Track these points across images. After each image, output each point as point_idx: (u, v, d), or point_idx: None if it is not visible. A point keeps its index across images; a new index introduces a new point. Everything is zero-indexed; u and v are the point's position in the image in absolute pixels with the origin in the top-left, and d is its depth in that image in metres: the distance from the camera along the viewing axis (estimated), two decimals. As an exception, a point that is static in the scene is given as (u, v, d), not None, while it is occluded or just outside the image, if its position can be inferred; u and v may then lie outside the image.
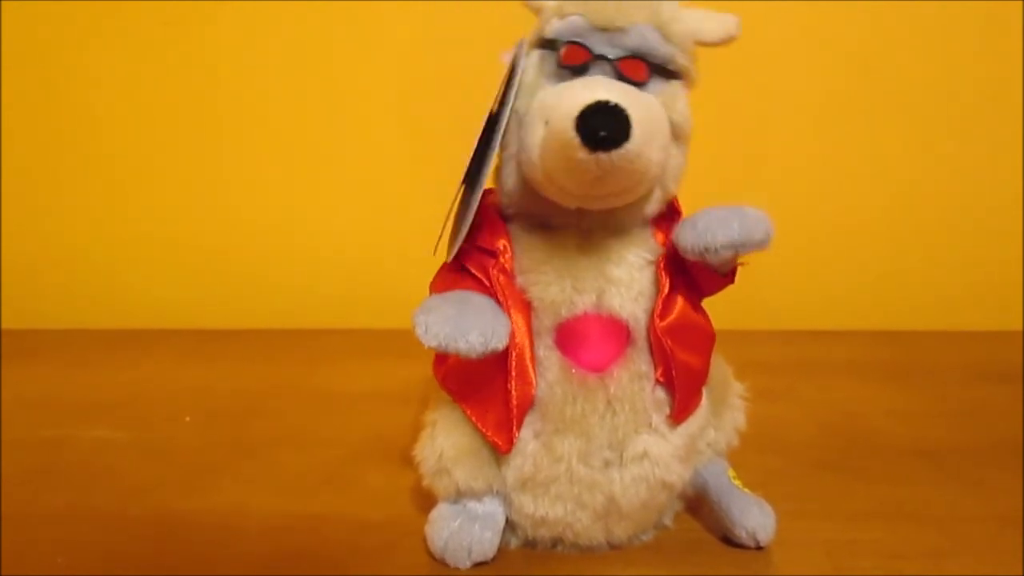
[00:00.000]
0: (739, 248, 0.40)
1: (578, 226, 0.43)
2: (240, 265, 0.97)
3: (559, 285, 0.42)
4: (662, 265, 0.43)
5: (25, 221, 0.98)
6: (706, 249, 0.40)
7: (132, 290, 0.99)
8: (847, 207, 0.93)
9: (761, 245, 0.40)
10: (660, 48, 0.41)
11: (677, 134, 0.42)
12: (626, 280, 0.43)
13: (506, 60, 0.43)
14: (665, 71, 0.42)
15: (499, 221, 0.44)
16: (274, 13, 0.91)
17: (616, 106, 0.37)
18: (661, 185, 0.43)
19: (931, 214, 0.92)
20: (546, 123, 0.39)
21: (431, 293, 0.44)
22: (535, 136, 0.40)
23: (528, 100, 0.42)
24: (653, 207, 0.43)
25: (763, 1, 0.84)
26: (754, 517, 0.46)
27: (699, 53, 0.44)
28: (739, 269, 0.44)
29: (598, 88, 0.38)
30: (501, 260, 0.43)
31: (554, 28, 0.42)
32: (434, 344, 0.39)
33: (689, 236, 0.41)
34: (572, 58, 0.41)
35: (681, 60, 0.42)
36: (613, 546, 0.46)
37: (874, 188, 0.92)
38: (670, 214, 0.45)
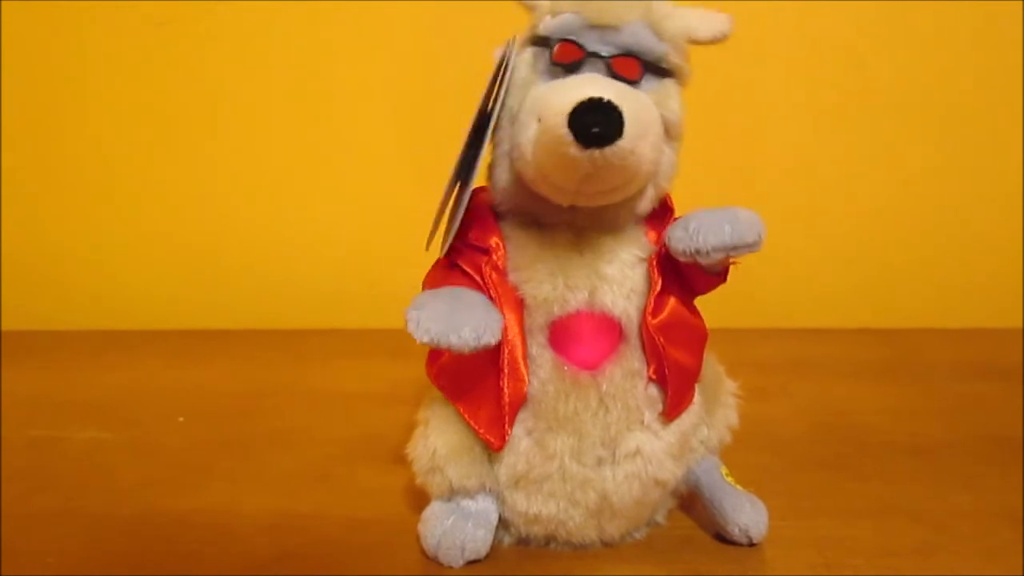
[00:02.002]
0: (730, 251, 0.40)
1: (570, 224, 0.43)
2: (232, 266, 0.97)
3: (551, 283, 0.42)
4: (654, 263, 0.43)
5: (19, 223, 0.98)
6: (697, 252, 0.40)
7: (123, 291, 0.98)
8: (841, 205, 0.93)
9: (753, 248, 0.40)
10: (653, 46, 0.41)
11: (670, 132, 0.42)
12: (618, 278, 0.43)
13: (497, 56, 0.43)
14: (658, 69, 0.42)
15: (491, 218, 0.44)
16: (270, 12, 0.91)
17: (609, 103, 0.36)
18: (654, 183, 0.43)
19: (926, 211, 0.93)
20: (539, 120, 0.39)
21: (423, 290, 0.44)
22: (528, 133, 0.40)
23: (521, 97, 0.42)
24: (646, 205, 0.43)
25: (765, 1, 0.85)
26: (747, 514, 0.46)
27: (695, 50, 0.44)
28: (731, 268, 0.44)
29: (591, 85, 0.38)
30: (493, 257, 0.43)
31: (547, 26, 0.42)
32: (426, 340, 0.39)
33: (680, 238, 0.41)
34: (565, 56, 0.41)
35: (674, 58, 0.42)
36: (606, 544, 0.46)
37: (868, 185, 0.92)
38: (663, 212, 0.45)
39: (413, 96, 0.92)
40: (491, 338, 0.40)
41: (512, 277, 0.43)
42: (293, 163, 0.94)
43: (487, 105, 0.43)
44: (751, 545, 0.46)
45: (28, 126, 0.95)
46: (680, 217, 0.43)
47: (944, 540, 0.47)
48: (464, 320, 0.39)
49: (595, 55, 0.41)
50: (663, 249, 0.43)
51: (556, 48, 0.41)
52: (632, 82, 0.41)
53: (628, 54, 0.41)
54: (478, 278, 0.43)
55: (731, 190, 0.90)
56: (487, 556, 0.45)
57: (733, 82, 0.87)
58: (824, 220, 0.93)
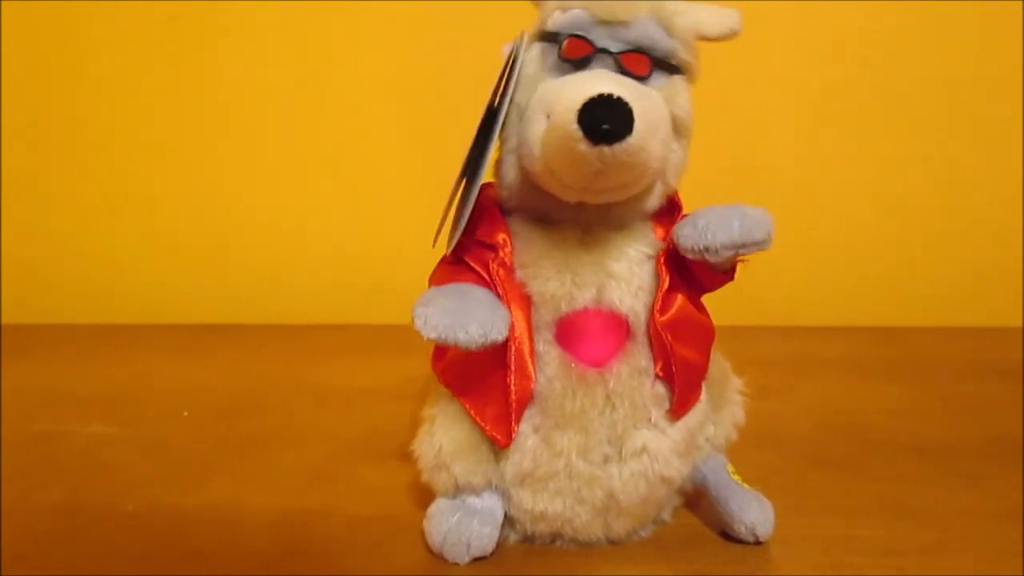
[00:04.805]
0: (739, 248, 0.40)
1: (578, 220, 0.43)
2: (238, 261, 0.97)
3: (559, 279, 0.42)
4: (662, 260, 0.43)
5: (22, 216, 0.98)
6: (706, 249, 0.40)
7: (128, 285, 0.98)
8: (845, 203, 0.93)
9: (762, 246, 0.40)
10: (663, 42, 0.41)
11: (678, 129, 0.42)
12: (626, 275, 0.42)
13: (506, 51, 0.43)
14: (667, 65, 0.42)
15: (498, 215, 0.44)
16: (273, 9, 0.90)
17: (619, 99, 0.36)
18: (662, 180, 0.43)
19: (929, 210, 0.93)
20: (547, 116, 0.39)
21: (430, 287, 0.44)
22: (536, 129, 0.40)
23: (529, 93, 0.41)
24: (653, 202, 0.43)
25: (768, 0, 0.85)
26: (753, 512, 0.46)
27: (699, 48, 0.43)
28: (738, 266, 0.44)
29: (600, 81, 0.38)
30: (501, 254, 0.43)
31: (556, 21, 0.42)
32: (433, 336, 0.39)
33: (689, 235, 0.41)
34: (574, 51, 0.41)
35: (683, 54, 0.42)
36: (612, 541, 0.46)
37: (872, 184, 0.92)
38: (670, 209, 0.45)
39: (420, 93, 0.91)
40: (498, 335, 0.40)
41: (519, 274, 0.43)
42: (299, 158, 0.94)
43: (495, 101, 0.43)
44: (757, 543, 0.46)
45: (31, 121, 0.95)
46: (688, 214, 0.43)
47: (949, 540, 0.47)
48: (471, 317, 0.39)
49: (604, 51, 0.41)
50: (671, 246, 0.43)
51: (565, 44, 0.41)
52: (641, 78, 0.41)
53: (637, 50, 0.41)
54: (485, 274, 0.43)
55: (734, 188, 0.89)
56: (493, 553, 0.45)
57: (735, 81, 0.87)
58: (828, 218, 0.93)
